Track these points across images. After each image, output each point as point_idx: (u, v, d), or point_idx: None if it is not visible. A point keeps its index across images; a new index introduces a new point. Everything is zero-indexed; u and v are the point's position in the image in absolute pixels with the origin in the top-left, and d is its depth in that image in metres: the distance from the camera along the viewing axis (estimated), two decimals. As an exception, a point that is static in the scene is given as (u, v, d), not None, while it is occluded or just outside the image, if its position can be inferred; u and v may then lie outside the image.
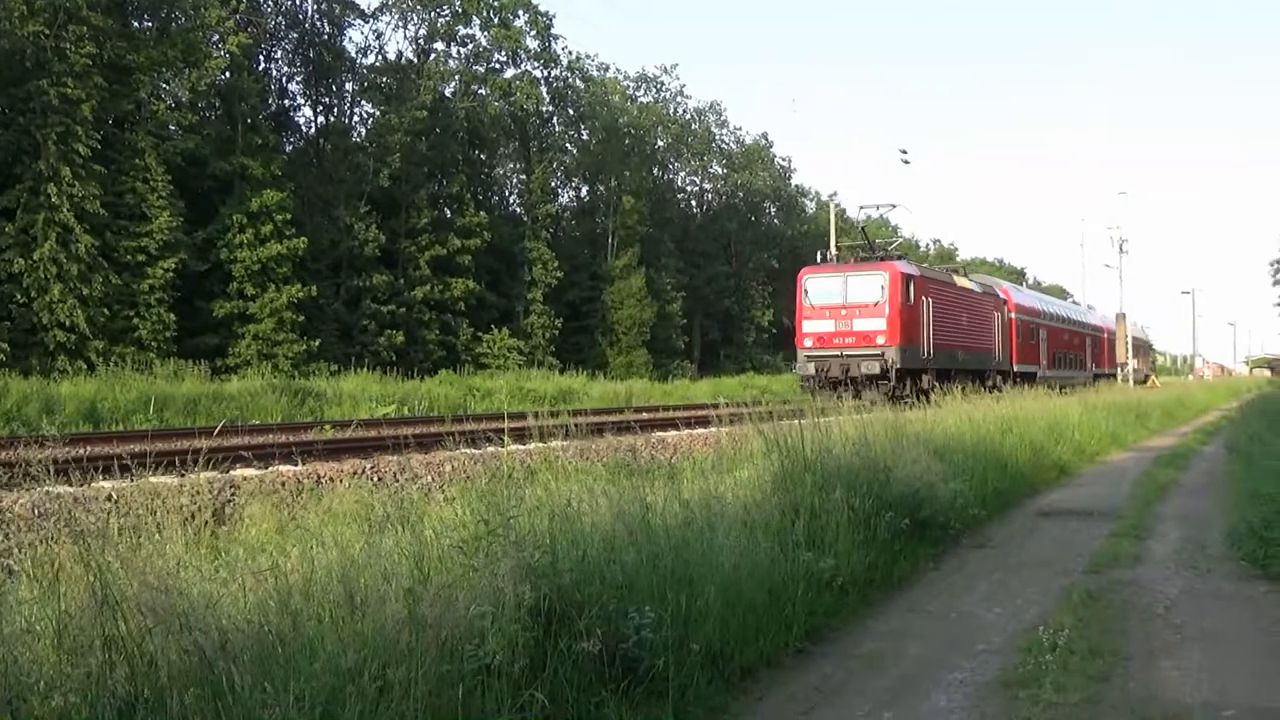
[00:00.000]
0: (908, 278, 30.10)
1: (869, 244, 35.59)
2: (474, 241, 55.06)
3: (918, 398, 25.21)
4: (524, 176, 66.20)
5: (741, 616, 6.49)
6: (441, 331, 53.62)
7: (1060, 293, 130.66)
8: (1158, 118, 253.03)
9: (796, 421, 10.19)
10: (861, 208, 57.04)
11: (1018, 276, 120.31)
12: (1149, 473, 18.29)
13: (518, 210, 66.20)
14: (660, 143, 77.32)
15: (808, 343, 29.95)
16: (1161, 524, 12.51)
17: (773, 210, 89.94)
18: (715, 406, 13.27)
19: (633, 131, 72.06)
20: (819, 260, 32.86)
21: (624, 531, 6.37)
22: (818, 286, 30.44)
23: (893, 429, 12.06)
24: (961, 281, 36.93)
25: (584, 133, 70.91)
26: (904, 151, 57.47)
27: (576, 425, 12.89)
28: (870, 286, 29.48)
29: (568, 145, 70.66)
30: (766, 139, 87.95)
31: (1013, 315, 39.55)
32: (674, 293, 69.47)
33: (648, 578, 5.98)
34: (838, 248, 43.09)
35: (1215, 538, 10.97)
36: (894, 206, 70.84)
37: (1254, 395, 50.01)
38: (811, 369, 29.25)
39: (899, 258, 32.81)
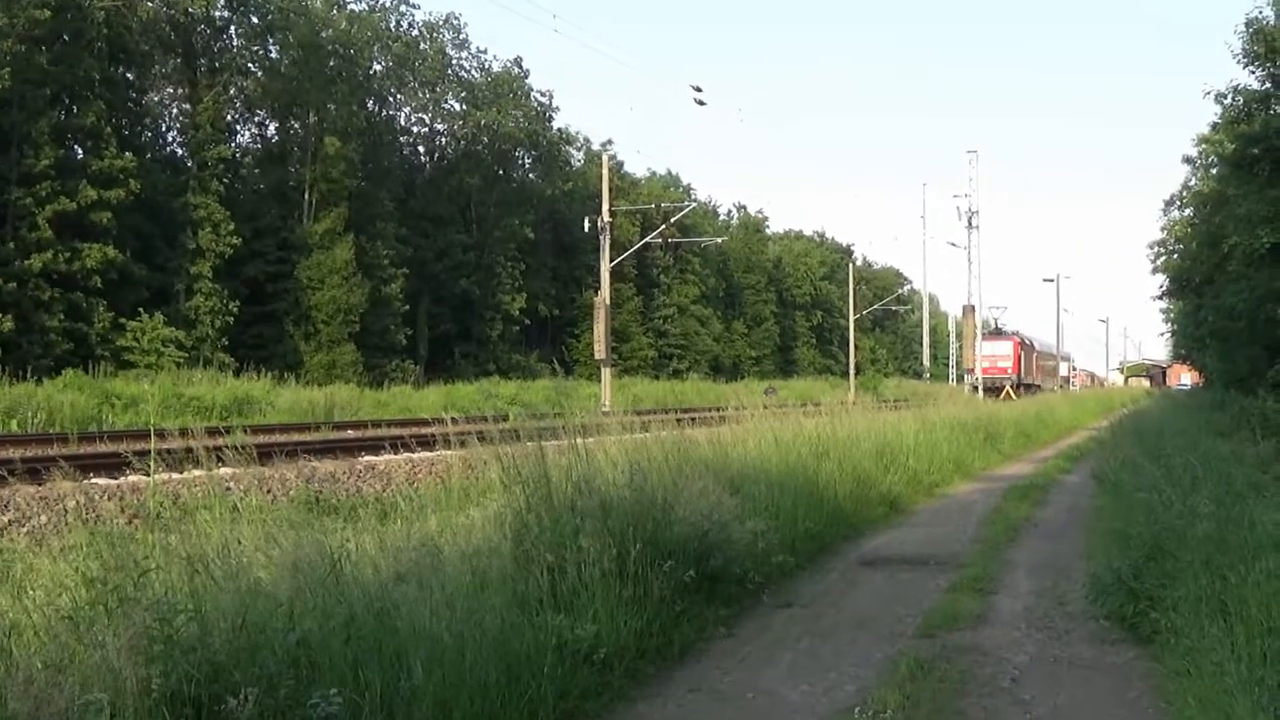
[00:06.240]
0: (1018, 343, 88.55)
1: (998, 329, 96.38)
2: (116, 193, 53.19)
3: (1018, 394, 75.36)
4: (188, 106, 64.51)
5: (468, 700, 6.50)
6: (68, 316, 51.64)
7: (896, 276, 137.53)
8: (1014, 78, 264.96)
9: (550, 443, 10.24)
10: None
11: (844, 254, 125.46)
12: (999, 509, 19.22)
13: (179, 152, 64.84)
14: (377, 67, 76.98)
15: (980, 370, 76.84)
16: (1012, 574, 13.15)
17: (528, 162, 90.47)
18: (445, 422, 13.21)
19: (340, 50, 71.30)
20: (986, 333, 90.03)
21: (306, 589, 6.28)
22: (984, 344, 79.93)
23: (676, 452, 12.25)
24: (1026, 338, 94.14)
25: (272, 49, 69.66)
26: (698, 89, 58.49)
27: (255, 446, 12.63)
28: (1006, 347, 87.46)
29: (250, 65, 68.91)
30: (520, 67, 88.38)
31: (1036, 354, 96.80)
32: (393, 269, 69.24)
33: (339, 650, 5.92)
34: (612, 212, 52.54)
35: (1076, 590, 11.58)
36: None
37: (1128, 411, 52.91)
38: (981, 382, 74.97)
39: (1015, 333, 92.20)
